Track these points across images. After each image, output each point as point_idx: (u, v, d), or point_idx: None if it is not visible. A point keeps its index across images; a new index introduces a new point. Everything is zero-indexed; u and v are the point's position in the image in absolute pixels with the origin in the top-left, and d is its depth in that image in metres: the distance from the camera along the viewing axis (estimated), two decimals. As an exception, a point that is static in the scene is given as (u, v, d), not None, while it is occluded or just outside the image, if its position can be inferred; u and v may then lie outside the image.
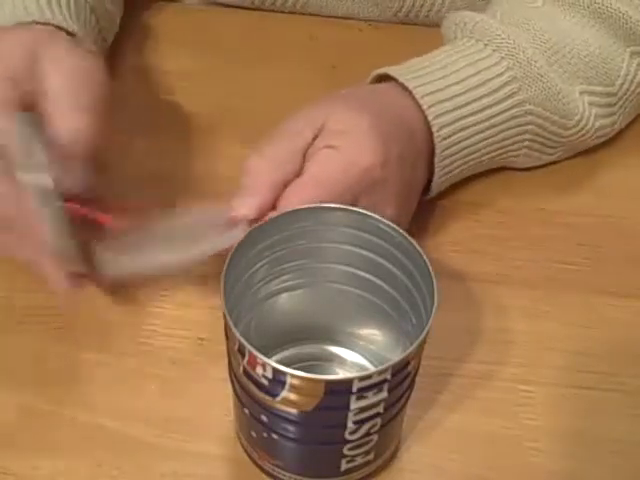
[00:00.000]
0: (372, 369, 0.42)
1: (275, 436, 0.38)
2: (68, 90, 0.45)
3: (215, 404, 0.44)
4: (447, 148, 0.50)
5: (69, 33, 0.50)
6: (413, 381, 0.39)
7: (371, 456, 0.40)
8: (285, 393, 0.35)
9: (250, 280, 0.40)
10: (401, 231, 0.39)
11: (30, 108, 0.44)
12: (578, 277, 0.51)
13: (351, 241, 0.41)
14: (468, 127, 0.50)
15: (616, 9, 0.52)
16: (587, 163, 0.57)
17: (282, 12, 0.66)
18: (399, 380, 0.36)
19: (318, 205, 0.40)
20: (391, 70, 0.51)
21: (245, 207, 0.43)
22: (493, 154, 0.52)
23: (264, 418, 0.38)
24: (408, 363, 0.36)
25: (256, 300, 0.42)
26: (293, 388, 0.34)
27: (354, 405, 0.35)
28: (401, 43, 0.63)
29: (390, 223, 0.39)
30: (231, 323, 0.35)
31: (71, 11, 0.52)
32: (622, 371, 0.46)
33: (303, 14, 0.66)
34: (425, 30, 0.65)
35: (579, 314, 0.49)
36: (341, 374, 0.44)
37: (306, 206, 0.40)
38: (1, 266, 0.49)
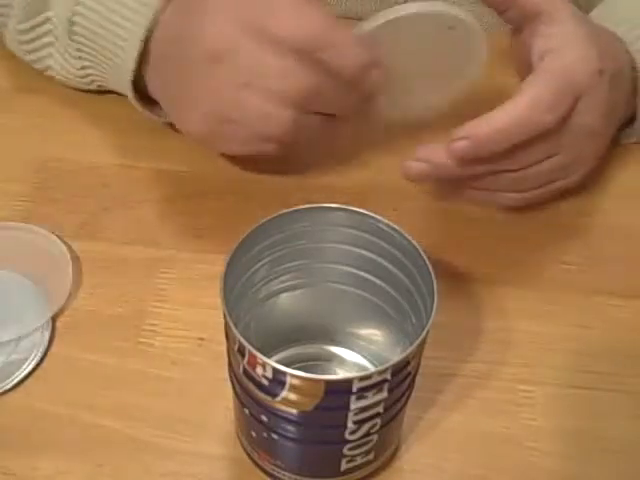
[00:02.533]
0: (372, 369, 0.42)
1: (275, 436, 0.38)
2: None
3: (215, 404, 0.44)
4: None
5: None
6: (413, 381, 0.39)
7: (371, 456, 0.40)
8: (285, 393, 0.35)
9: (250, 280, 0.40)
10: (401, 231, 0.39)
11: None
12: (578, 277, 0.51)
13: (351, 241, 0.41)
14: None
15: None
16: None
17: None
18: (399, 380, 0.36)
19: (318, 205, 0.40)
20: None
21: None
22: None
23: (264, 418, 0.38)
24: (408, 363, 0.36)
25: (256, 300, 0.42)
26: (293, 388, 0.34)
27: (354, 405, 0.35)
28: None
29: (390, 223, 0.39)
30: (231, 323, 0.35)
31: None
32: (622, 371, 0.46)
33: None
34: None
35: (579, 314, 0.49)
36: (341, 374, 0.44)
37: (306, 206, 0.40)
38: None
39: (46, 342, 0.46)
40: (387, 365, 0.34)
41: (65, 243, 0.50)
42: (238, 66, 0.46)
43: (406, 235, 0.39)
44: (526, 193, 0.51)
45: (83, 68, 0.56)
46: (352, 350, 0.45)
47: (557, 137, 0.48)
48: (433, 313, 0.36)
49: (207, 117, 0.49)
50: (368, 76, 0.47)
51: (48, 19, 0.54)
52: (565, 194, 0.54)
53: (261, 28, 0.46)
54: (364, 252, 0.41)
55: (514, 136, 0.47)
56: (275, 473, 0.41)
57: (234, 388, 0.39)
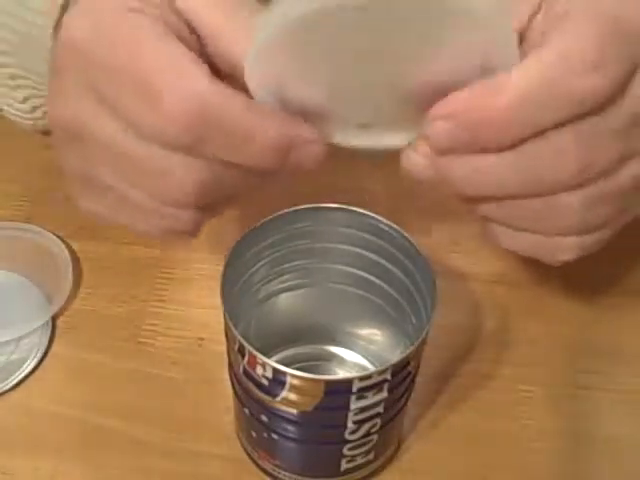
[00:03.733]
0: (372, 369, 0.42)
1: (275, 436, 0.38)
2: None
3: (215, 404, 0.44)
4: None
5: None
6: (413, 381, 0.39)
7: (371, 456, 0.40)
8: (285, 393, 0.35)
9: (250, 280, 0.40)
10: (401, 231, 0.39)
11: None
12: (578, 277, 0.51)
13: (351, 241, 0.41)
14: None
15: None
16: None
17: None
18: (399, 380, 0.36)
19: (318, 205, 0.40)
20: None
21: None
22: None
23: (264, 418, 0.38)
24: (408, 363, 0.36)
25: (256, 300, 0.42)
26: (293, 388, 0.34)
27: (354, 405, 0.35)
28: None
29: (390, 223, 0.39)
30: (231, 323, 0.35)
31: None
32: (622, 371, 0.46)
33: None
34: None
35: (579, 314, 0.49)
36: (341, 374, 0.44)
37: (306, 206, 0.40)
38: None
39: (46, 342, 0.46)
40: (387, 365, 0.34)
41: (65, 243, 0.50)
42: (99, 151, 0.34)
43: (406, 235, 0.39)
44: (591, 234, 0.35)
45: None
46: (352, 350, 0.45)
47: (620, 119, 0.31)
48: (433, 313, 0.36)
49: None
50: (297, 156, 0.33)
51: None
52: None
53: (112, 104, 0.32)
54: (364, 252, 0.41)
55: (537, 113, 0.29)
56: (275, 473, 0.41)
57: (234, 388, 0.39)
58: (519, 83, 0.29)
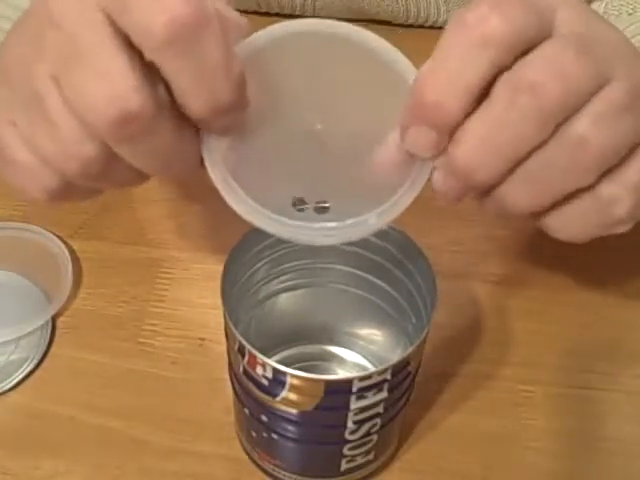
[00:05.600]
0: (372, 369, 0.42)
1: (275, 436, 0.38)
2: None
3: (215, 404, 0.44)
4: None
5: None
6: (413, 381, 0.39)
7: (371, 456, 0.40)
8: (285, 393, 0.35)
9: (250, 280, 0.40)
10: (401, 231, 0.39)
11: None
12: (578, 277, 0.51)
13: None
14: None
15: None
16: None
17: (289, 17, 0.66)
18: (399, 380, 0.36)
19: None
20: None
21: None
22: None
23: (264, 418, 0.38)
24: (408, 363, 0.36)
25: (256, 300, 0.42)
26: (293, 388, 0.34)
27: (354, 405, 0.35)
28: (401, 43, 0.63)
29: (391, 223, 0.39)
30: (231, 323, 0.35)
31: None
32: (622, 371, 0.46)
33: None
34: (426, 31, 0.65)
35: (579, 314, 0.49)
36: (341, 374, 0.44)
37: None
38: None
39: (46, 342, 0.46)
40: (387, 365, 0.34)
41: (65, 243, 0.50)
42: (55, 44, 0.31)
43: (406, 235, 0.39)
44: (629, 167, 0.34)
45: None
46: (352, 350, 0.45)
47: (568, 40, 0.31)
48: (433, 313, 0.36)
49: None
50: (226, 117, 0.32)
51: None
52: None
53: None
54: (364, 252, 0.41)
55: (464, 69, 0.31)
56: (275, 473, 0.41)
57: (234, 388, 0.39)
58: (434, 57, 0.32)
